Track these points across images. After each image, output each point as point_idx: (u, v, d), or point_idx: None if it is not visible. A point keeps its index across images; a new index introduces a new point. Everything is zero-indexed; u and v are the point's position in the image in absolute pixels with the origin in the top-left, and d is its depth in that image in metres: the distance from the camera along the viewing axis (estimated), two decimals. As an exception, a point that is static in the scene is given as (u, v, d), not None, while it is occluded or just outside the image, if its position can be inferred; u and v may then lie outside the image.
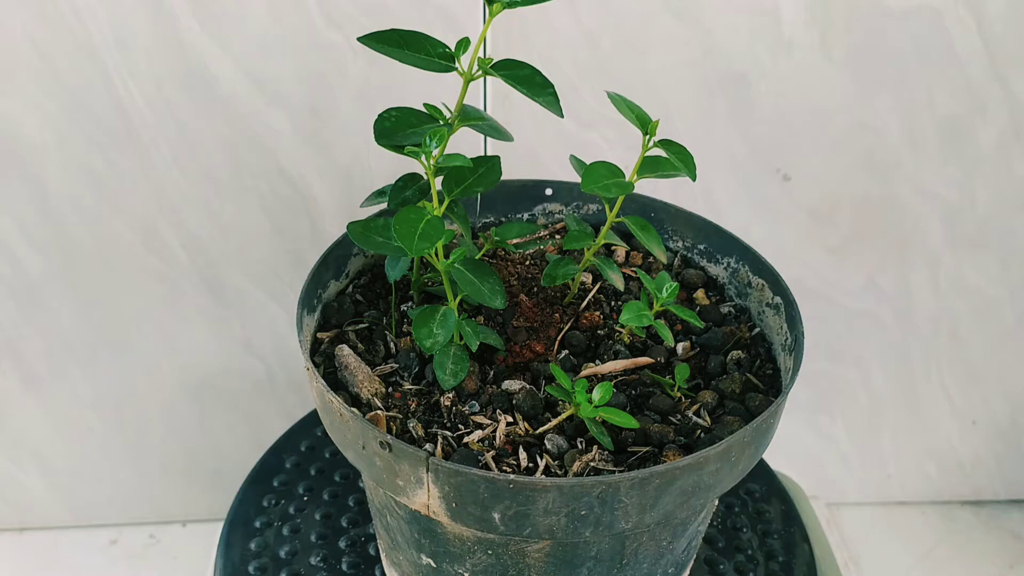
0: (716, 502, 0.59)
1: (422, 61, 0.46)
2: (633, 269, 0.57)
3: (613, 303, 0.57)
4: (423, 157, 0.46)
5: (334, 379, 0.51)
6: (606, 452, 0.46)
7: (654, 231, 0.51)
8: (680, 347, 0.54)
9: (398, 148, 0.47)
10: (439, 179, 0.49)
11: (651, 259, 0.61)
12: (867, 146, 0.78)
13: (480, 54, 0.46)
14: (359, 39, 0.45)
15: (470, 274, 0.48)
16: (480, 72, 0.46)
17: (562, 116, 0.46)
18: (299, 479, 0.71)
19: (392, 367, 0.51)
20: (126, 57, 0.69)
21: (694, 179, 0.45)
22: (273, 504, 0.69)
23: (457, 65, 0.47)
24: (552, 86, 0.46)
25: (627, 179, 0.47)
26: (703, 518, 0.53)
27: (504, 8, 0.44)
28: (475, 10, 0.70)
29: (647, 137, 0.46)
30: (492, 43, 0.71)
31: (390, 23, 0.48)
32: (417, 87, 0.70)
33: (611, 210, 0.51)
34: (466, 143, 0.75)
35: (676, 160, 0.45)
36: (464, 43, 0.46)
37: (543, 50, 0.71)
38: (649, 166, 0.48)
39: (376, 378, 0.50)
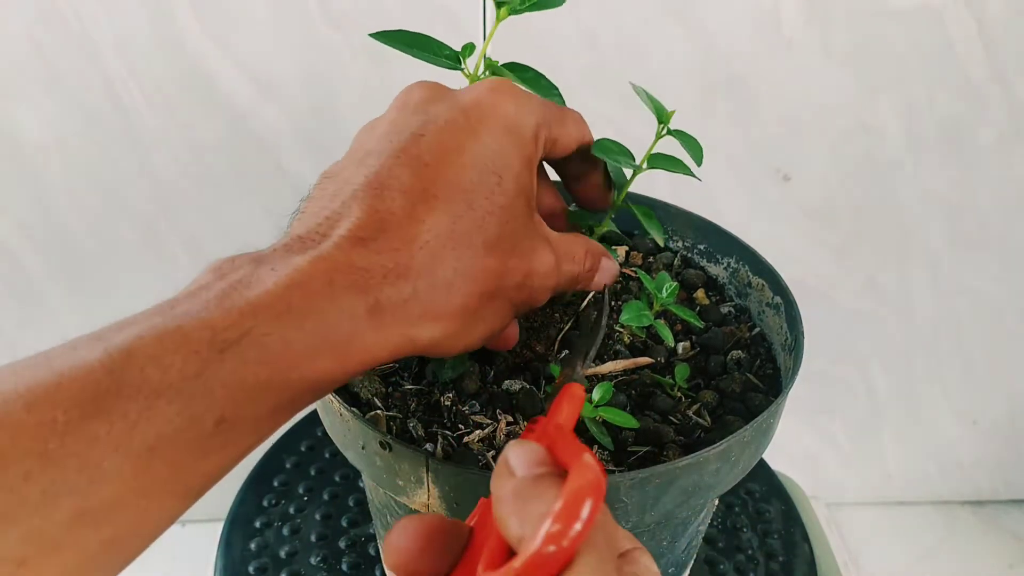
0: (716, 502, 0.59)
1: (431, 57, 0.46)
2: (633, 269, 0.57)
3: (613, 303, 0.57)
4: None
5: (334, 379, 0.51)
6: (606, 452, 0.46)
7: (656, 219, 0.51)
8: (680, 347, 0.54)
9: (399, 148, 0.47)
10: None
11: (651, 259, 0.61)
12: (867, 146, 0.78)
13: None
14: (371, 35, 0.45)
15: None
16: (486, 72, 0.46)
17: None
18: (299, 479, 0.71)
19: (392, 367, 0.51)
20: (126, 57, 0.69)
21: (699, 163, 0.46)
22: (273, 504, 0.69)
23: (463, 66, 0.47)
24: (557, 88, 0.46)
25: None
26: (703, 518, 0.53)
27: (510, 14, 0.45)
28: (476, 10, 0.70)
29: (661, 126, 0.47)
30: (492, 42, 0.71)
31: (391, 23, 0.48)
32: (417, 87, 0.70)
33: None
34: (466, 143, 0.75)
35: (686, 147, 0.47)
36: (469, 48, 0.46)
37: (543, 50, 0.71)
38: (658, 157, 0.48)
39: (376, 378, 0.50)
